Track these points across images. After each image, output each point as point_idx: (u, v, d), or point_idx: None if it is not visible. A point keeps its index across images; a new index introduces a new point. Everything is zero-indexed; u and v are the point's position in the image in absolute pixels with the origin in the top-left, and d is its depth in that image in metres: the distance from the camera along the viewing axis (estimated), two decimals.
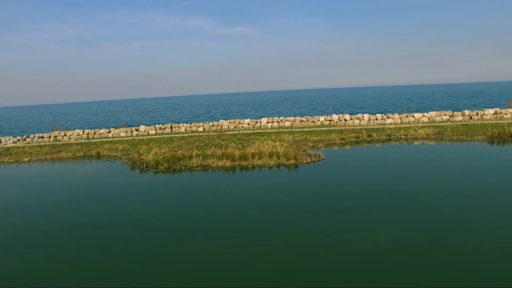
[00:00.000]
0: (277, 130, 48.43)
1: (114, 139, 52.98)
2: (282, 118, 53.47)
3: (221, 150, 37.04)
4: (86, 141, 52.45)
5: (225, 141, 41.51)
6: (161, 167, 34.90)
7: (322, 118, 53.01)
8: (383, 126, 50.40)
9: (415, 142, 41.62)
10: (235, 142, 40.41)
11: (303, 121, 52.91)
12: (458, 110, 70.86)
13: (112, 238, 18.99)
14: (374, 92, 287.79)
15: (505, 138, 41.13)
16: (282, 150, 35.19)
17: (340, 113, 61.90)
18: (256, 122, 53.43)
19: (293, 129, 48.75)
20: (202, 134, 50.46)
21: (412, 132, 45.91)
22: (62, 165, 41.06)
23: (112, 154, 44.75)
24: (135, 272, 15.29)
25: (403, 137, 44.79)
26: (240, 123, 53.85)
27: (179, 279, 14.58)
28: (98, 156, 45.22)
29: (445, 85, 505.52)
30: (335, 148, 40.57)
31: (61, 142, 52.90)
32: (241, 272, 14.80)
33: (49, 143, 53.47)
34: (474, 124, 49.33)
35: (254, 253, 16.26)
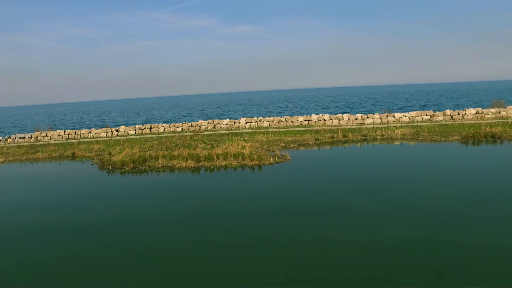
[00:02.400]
0: (253, 131, 48.20)
1: (93, 139, 52.99)
2: (261, 118, 53.24)
3: (189, 150, 36.89)
4: (65, 141, 52.49)
5: (196, 141, 41.36)
6: (127, 168, 34.83)
7: (301, 118, 52.70)
8: (362, 126, 50.03)
9: (389, 143, 41.29)
10: (205, 143, 40.24)
11: (281, 121, 52.63)
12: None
13: (61, 241, 18.89)
14: (376, 91, 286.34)
15: (479, 138, 40.71)
16: (248, 151, 34.96)
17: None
18: (235, 122, 53.21)
19: (269, 130, 48.49)
20: (177, 134, 50.33)
21: (389, 132, 45.52)
22: (32, 166, 41.07)
23: (87, 155, 44.73)
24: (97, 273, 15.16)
25: (379, 137, 44.40)
26: (218, 123, 53.68)
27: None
28: (73, 156, 45.21)
29: (450, 84, 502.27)
30: (307, 148, 40.30)
31: (40, 143, 52.98)
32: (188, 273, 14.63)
33: (29, 143, 53.58)
34: (453, 124, 48.87)
35: (198, 254, 16.11)
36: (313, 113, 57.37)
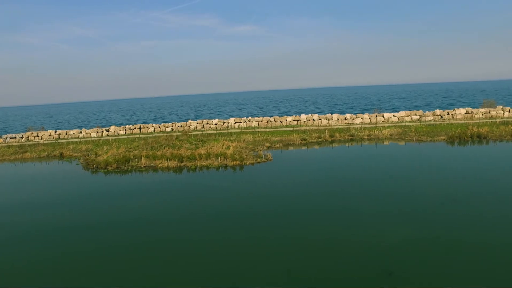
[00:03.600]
0: (240, 131, 48.27)
1: (82, 139, 53.16)
2: (250, 118, 53.30)
3: (173, 150, 37.00)
4: (54, 141, 52.69)
5: (181, 142, 41.48)
6: (110, 168, 34.95)
7: (290, 118, 52.74)
8: (350, 126, 50.02)
9: (376, 143, 41.27)
10: (190, 143, 40.35)
11: (270, 121, 52.68)
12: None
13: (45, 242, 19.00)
14: (377, 91, 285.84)
15: (465, 138, 40.66)
16: (231, 151, 35.03)
17: (316, 113, 61.48)
18: (224, 122, 53.31)
19: (257, 130, 48.54)
20: (165, 134, 50.44)
21: (376, 132, 45.50)
22: (17, 166, 41.24)
23: (74, 155, 44.89)
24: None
25: (366, 137, 44.39)
26: (208, 123, 53.77)
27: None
28: (61, 156, 45.39)
29: (455, 83, 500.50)
30: (292, 148, 40.34)
31: (30, 143, 53.19)
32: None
33: (19, 143, 53.81)
34: (441, 124, 48.81)
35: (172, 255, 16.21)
36: (302, 113, 57.29)
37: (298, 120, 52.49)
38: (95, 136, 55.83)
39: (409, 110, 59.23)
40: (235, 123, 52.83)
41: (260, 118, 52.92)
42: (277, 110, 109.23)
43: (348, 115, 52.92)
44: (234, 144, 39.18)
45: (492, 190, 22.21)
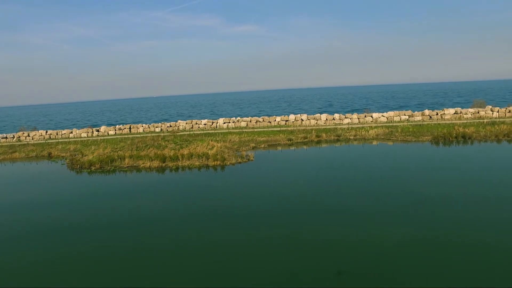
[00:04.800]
0: (228, 131, 48.48)
1: (71, 140, 53.44)
2: (239, 118, 53.49)
3: (157, 151, 37.22)
4: (44, 141, 52.99)
5: (167, 142, 41.71)
6: (93, 168, 35.20)
7: (278, 119, 52.91)
8: (337, 127, 50.15)
9: (362, 143, 41.36)
10: (175, 143, 40.58)
11: (259, 121, 52.87)
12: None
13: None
14: (377, 91, 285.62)
15: (450, 138, 40.72)
16: (214, 151, 35.22)
17: (304, 113, 61.67)
18: (213, 123, 53.54)
19: (245, 130, 48.74)
20: (154, 134, 50.66)
21: (363, 133, 45.59)
22: (4, 166, 41.53)
23: (62, 155, 45.15)
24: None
25: (352, 137, 44.49)
26: (197, 123, 54.01)
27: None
28: (49, 156, 45.66)
29: (458, 83, 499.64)
30: (277, 149, 40.47)
31: (20, 143, 53.51)
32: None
33: (10, 143, 54.13)
34: (429, 124, 48.88)
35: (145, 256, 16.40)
36: (291, 113, 57.44)
37: (286, 120, 52.66)
38: (86, 136, 56.12)
39: (398, 110, 59.23)
40: (224, 123, 53.05)
41: (248, 118, 53.11)
42: (276, 110, 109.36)
43: (337, 115, 53.05)
44: (219, 145, 39.38)
45: (468, 190, 22.29)
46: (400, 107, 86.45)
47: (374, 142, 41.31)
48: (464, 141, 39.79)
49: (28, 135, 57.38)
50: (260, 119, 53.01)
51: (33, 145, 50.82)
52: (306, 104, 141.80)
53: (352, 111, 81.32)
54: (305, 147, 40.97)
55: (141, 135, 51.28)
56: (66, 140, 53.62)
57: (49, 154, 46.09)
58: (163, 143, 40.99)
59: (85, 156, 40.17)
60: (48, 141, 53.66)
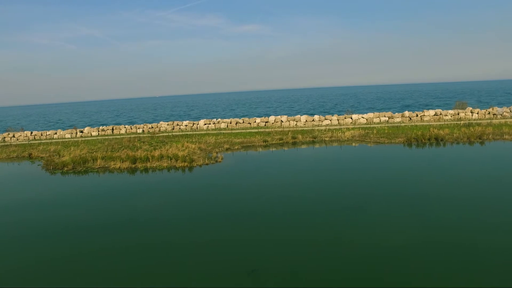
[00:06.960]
0: (205, 132, 49.01)
1: (54, 141, 54.10)
2: (219, 119, 54.04)
3: (130, 152, 37.78)
4: (26, 142, 53.70)
5: (142, 143, 42.26)
6: (65, 169, 35.81)
7: (258, 120, 53.40)
8: (315, 128, 50.55)
9: (336, 144, 41.70)
10: (150, 145, 41.13)
11: (239, 122, 53.38)
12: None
13: None
14: (380, 91, 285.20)
15: (423, 140, 41.01)
16: (185, 153, 35.75)
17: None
18: (194, 124, 54.08)
19: (223, 131, 49.26)
20: (133, 136, 51.25)
21: (339, 134, 45.97)
22: None
23: (42, 156, 45.77)
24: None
25: (327, 139, 44.89)
26: (178, 124, 54.58)
27: None
28: (30, 157, 46.31)
29: (460, 83, 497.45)
30: (250, 150, 40.93)
31: (4, 144, 54.23)
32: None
33: None
34: (405, 126, 49.22)
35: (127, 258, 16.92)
36: (271, 115, 57.93)
37: (266, 122, 53.15)
38: (70, 137, 56.79)
39: (378, 111, 59.58)
40: (204, 124, 53.59)
41: (229, 120, 53.63)
42: (272, 110, 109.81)
43: (316, 117, 53.48)
44: (193, 146, 39.91)
45: (431, 191, 22.52)
46: (382, 109, 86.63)
47: (348, 144, 41.70)
48: (436, 143, 40.11)
49: (13, 136, 58.12)
50: (240, 120, 53.52)
51: (16, 145, 51.52)
52: (301, 104, 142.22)
53: (340, 112, 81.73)
54: (279, 148, 41.42)
55: (122, 136, 51.88)
56: (49, 141, 54.29)
57: (30, 155, 46.74)
58: (138, 145, 41.57)
59: (62, 157, 40.78)
60: (31, 142, 54.36)
